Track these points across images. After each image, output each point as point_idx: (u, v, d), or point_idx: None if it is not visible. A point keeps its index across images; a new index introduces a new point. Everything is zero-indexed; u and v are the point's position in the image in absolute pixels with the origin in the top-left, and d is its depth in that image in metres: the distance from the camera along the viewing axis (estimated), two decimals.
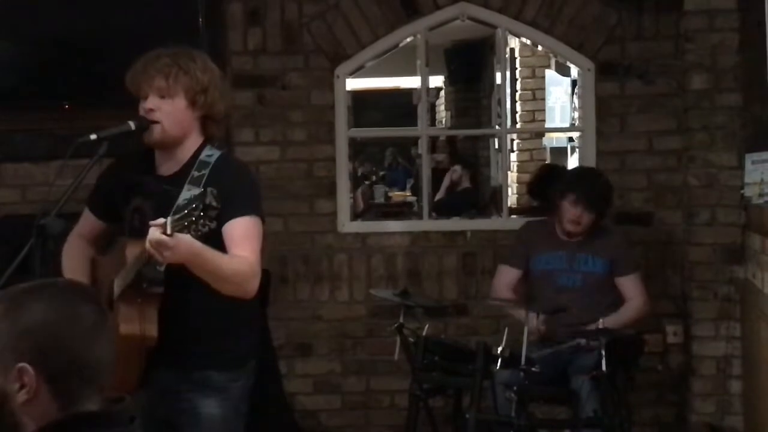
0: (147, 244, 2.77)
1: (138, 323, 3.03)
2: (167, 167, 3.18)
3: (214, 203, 2.68)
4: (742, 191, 4.89)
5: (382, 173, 12.25)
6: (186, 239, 2.75)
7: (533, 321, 4.39)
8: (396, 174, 12.41)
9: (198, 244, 2.81)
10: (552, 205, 4.79)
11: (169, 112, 3.09)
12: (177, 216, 2.71)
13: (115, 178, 3.27)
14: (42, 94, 5.06)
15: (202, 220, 2.69)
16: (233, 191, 3.03)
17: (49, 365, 1.75)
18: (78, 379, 1.77)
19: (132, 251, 3.01)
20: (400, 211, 9.50)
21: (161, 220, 2.75)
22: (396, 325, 4.48)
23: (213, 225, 2.74)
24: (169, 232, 2.71)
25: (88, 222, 3.34)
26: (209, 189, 2.74)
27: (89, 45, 5.02)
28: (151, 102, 3.10)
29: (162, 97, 3.09)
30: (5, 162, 5.24)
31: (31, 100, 5.09)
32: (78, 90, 5.01)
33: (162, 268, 2.97)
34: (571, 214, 4.62)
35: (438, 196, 8.32)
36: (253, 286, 3.04)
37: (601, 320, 4.38)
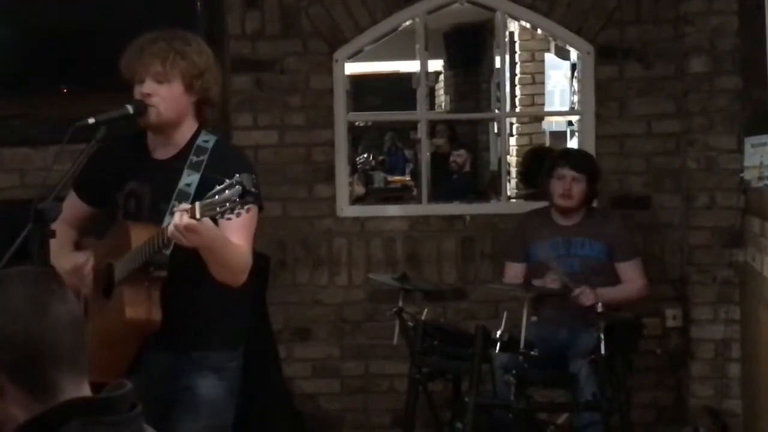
0: (172, 228, 2.77)
1: (146, 307, 3.03)
2: (163, 151, 3.17)
3: (253, 189, 2.66)
4: (741, 175, 4.89)
5: (381, 158, 12.20)
6: (210, 225, 2.77)
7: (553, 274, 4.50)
8: (395, 158, 12.35)
9: (217, 230, 2.84)
10: (543, 188, 4.79)
11: (166, 96, 3.09)
12: (207, 201, 2.70)
13: (105, 163, 3.22)
14: (40, 78, 5.06)
15: (238, 207, 2.65)
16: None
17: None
18: (42, 367, 1.66)
19: (139, 235, 3.01)
20: (399, 196, 9.48)
21: (186, 205, 2.77)
22: (395, 309, 4.49)
23: (245, 212, 2.70)
24: (198, 216, 2.71)
25: (72, 206, 3.27)
26: (248, 174, 2.68)
27: (87, 29, 5.00)
28: (148, 87, 3.09)
29: (159, 82, 3.09)
30: (3, 146, 5.23)
31: (28, 85, 5.08)
32: (76, 74, 5.00)
33: (168, 252, 2.97)
34: (560, 186, 4.62)
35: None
36: (244, 277, 3.08)
37: (595, 290, 4.41)
